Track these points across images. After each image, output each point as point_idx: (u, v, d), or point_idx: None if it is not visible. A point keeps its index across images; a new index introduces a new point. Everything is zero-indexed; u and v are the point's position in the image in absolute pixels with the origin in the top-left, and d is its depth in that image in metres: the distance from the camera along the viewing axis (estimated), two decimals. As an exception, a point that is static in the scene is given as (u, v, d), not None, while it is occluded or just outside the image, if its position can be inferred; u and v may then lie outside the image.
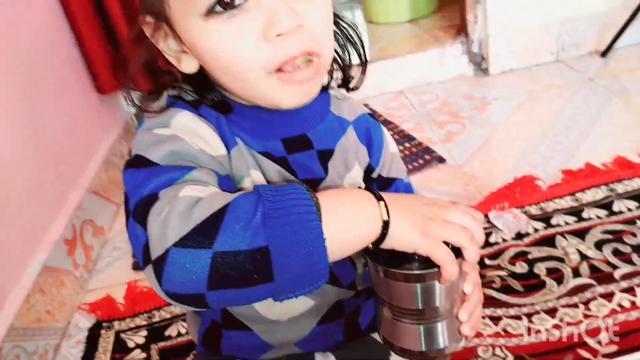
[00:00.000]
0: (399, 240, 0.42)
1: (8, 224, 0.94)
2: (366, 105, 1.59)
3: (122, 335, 0.96)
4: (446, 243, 0.42)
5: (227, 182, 0.46)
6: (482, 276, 0.90)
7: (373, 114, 0.60)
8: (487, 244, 0.97)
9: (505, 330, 0.80)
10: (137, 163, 0.43)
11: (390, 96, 1.65)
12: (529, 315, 0.81)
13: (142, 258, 0.38)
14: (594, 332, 0.76)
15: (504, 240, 0.97)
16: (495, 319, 0.81)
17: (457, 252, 0.42)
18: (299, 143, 0.51)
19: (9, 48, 1.04)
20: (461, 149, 1.30)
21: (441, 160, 1.26)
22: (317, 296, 0.54)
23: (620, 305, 0.80)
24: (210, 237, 0.36)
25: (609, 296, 0.81)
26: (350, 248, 0.41)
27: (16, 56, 1.06)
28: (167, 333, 0.94)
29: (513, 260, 0.92)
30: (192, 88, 0.49)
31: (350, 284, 0.56)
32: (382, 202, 0.42)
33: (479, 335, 0.79)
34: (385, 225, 0.41)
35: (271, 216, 0.37)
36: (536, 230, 0.97)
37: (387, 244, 0.42)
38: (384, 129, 0.61)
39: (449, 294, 0.45)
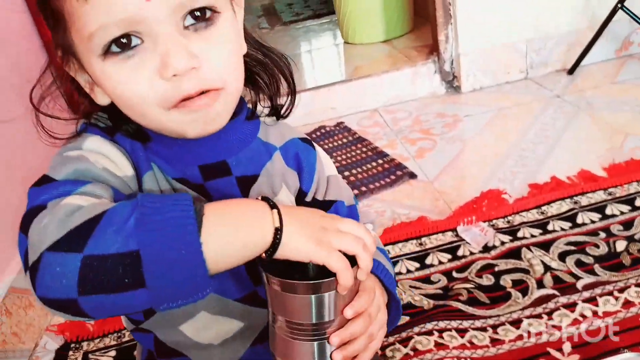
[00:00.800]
0: (293, 249, 0.42)
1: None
2: (341, 123, 1.63)
3: (90, 356, 0.95)
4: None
5: None
6: (449, 289, 0.91)
7: (307, 139, 0.60)
8: (454, 257, 0.98)
9: (470, 342, 0.80)
10: (40, 182, 0.44)
11: (365, 114, 1.68)
12: (494, 327, 0.82)
13: (24, 265, 0.39)
14: (557, 343, 0.77)
15: (472, 253, 0.98)
16: (462, 331, 0.82)
17: (351, 262, 0.43)
18: (216, 169, 0.51)
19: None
20: (432, 164, 1.32)
21: (412, 175, 1.28)
22: (244, 318, 0.55)
23: (583, 315, 0.81)
24: (83, 241, 0.36)
25: (571, 306, 0.83)
26: (238, 256, 0.41)
27: None
28: (136, 353, 0.93)
29: (480, 272, 0.93)
30: (108, 117, 0.50)
31: None
32: (275, 210, 0.42)
33: (445, 347, 0.79)
34: (278, 233, 0.41)
35: (145, 221, 0.37)
36: (503, 243, 0.99)
37: (280, 254, 0.42)
38: (320, 151, 0.61)
39: (340, 308, 0.45)
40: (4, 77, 1.16)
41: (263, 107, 0.57)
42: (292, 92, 0.57)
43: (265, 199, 0.44)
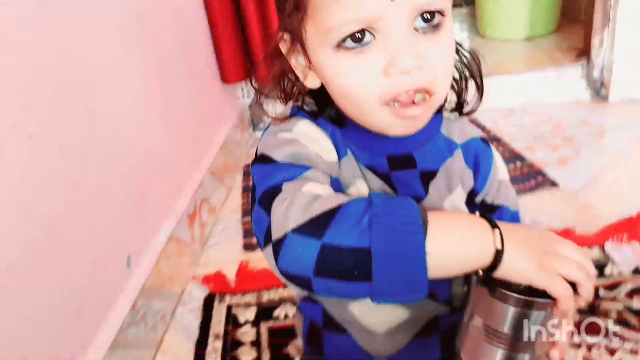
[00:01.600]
0: (514, 270, 0.42)
1: (146, 195, 1.04)
2: (474, 120, 1.60)
3: (234, 310, 1.03)
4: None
5: (337, 185, 0.50)
6: (597, 306, 0.89)
7: (486, 139, 0.60)
8: (601, 274, 0.95)
9: (620, 364, 0.78)
10: (263, 160, 0.48)
11: (501, 113, 1.64)
12: (646, 353, 0.80)
13: (263, 239, 0.43)
14: None
15: (620, 273, 0.95)
16: (611, 351, 0.80)
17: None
18: (402, 161, 0.53)
19: (152, 36, 1.15)
20: (575, 175, 1.27)
21: (554, 184, 1.24)
22: (412, 308, 0.56)
23: None
24: (322, 229, 0.40)
25: None
26: (456, 269, 0.43)
27: (156, 44, 1.17)
28: (275, 314, 1.00)
29: (631, 294, 0.90)
30: (313, 101, 0.53)
31: (446, 299, 0.56)
32: (496, 230, 0.43)
33: (592, 364, 0.78)
34: (498, 254, 0.42)
35: (378, 222, 0.40)
36: (657, 268, 0.95)
37: (499, 273, 0.42)
38: (496, 154, 0.61)
39: (548, 331, 0.44)
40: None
41: (448, 102, 0.59)
42: (480, 89, 0.57)
43: (484, 216, 0.45)
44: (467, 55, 0.56)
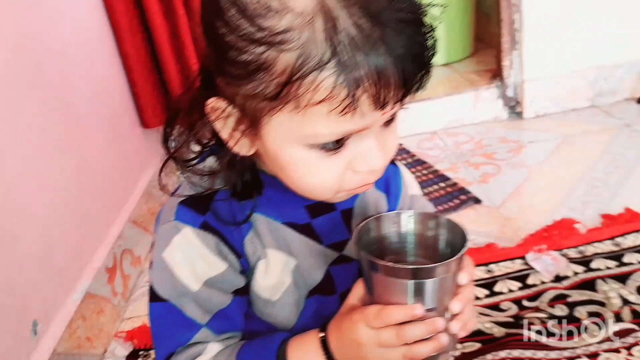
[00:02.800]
0: None
1: (55, 251, 0.98)
2: (399, 144, 1.63)
3: (158, 364, 0.97)
4: (437, 254, 0.47)
5: (245, 265, 0.51)
6: (520, 317, 0.89)
7: (393, 160, 0.60)
8: (525, 285, 0.96)
9: (545, 374, 0.78)
10: (153, 296, 0.50)
11: (424, 136, 1.68)
12: (570, 359, 0.79)
13: None
14: (639, 380, 0.74)
15: (543, 282, 0.96)
16: (535, 362, 0.80)
17: (453, 252, 0.45)
18: (322, 207, 0.53)
19: (56, 85, 1.11)
20: (497, 190, 1.30)
21: (477, 201, 1.26)
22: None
23: (667, 353, 0.77)
24: None
25: (653, 343, 0.79)
26: None
27: (62, 92, 1.13)
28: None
29: (552, 302, 0.91)
30: (225, 164, 0.49)
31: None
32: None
33: (518, 378, 0.77)
34: None
35: None
36: (576, 273, 0.96)
37: None
38: (404, 172, 0.62)
39: (445, 293, 0.45)
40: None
41: None
42: None
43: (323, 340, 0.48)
44: None
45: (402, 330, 0.44)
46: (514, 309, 0.91)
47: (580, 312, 0.88)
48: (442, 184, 1.37)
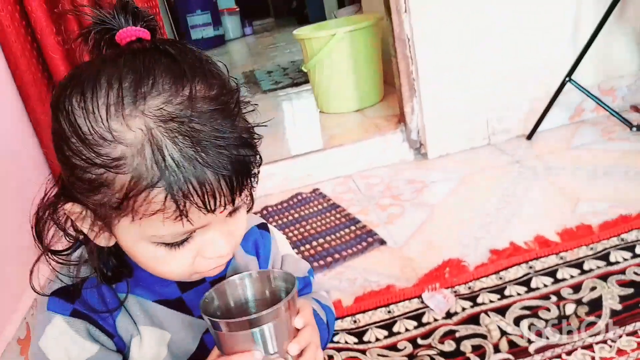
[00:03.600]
0: None
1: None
2: (316, 189, 1.72)
3: None
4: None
5: (120, 344, 0.56)
6: (414, 356, 0.97)
7: (263, 224, 0.68)
8: (420, 323, 1.05)
9: (432, 408, 0.86)
10: None
11: (339, 180, 1.77)
12: (454, 392, 0.88)
13: None
14: (511, 406, 0.84)
15: (435, 320, 1.05)
16: (424, 398, 0.88)
17: (280, 297, 0.52)
18: (192, 281, 0.58)
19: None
20: (401, 231, 1.40)
21: (382, 242, 1.36)
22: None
23: (534, 379, 0.87)
24: None
25: (524, 370, 0.89)
26: None
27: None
28: None
29: (442, 339, 1.00)
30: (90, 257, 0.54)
31: None
32: None
33: (408, 414, 0.85)
34: None
35: None
36: (464, 309, 1.06)
37: None
38: (275, 234, 0.69)
39: (283, 336, 0.51)
40: None
41: None
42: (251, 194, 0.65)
43: None
44: None
45: None
46: (409, 348, 0.99)
47: (466, 345, 0.97)
48: (353, 227, 1.46)
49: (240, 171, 0.45)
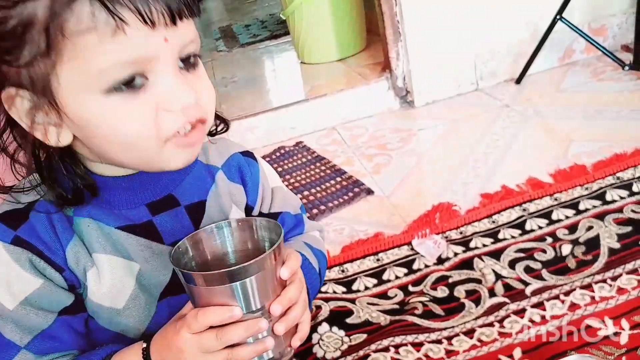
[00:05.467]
0: None
1: None
2: (300, 142, 1.65)
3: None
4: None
5: (70, 276, 0.50)
6: (405, 303, 0.93)
7: (248, 152, 0.62)
8: (410, 270, 1.00)
9: (426, 355, 0.82)
10: None
11: (323, 132, 1.70)
12: (449, 339, 0.84)
13: None
14: (507, 349, 0.80)
15: (427, 266, 1.01)
16: (417, 345, 0.84)
17: (263, 249, 0.47)
18: (164, 204, 0.53)
19: None
20: (388, 180, 1.35)
21: (369, 192, 1.30)
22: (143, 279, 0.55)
23: (532, 321, 0.84)
24: None
25: (521, 312, 0.85)
26: None
27: None
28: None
29: (435, 285, 0.96)
30: (41, 173, 0.49)
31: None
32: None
33: (401, 363, 0.81)
34: None
35: None
36: (456, 254, 1.02)
37: None
38: (262, 164, 0.63)
39: (267, 291, 0.46)
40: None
41: None
42: (219, 117, 0.58)
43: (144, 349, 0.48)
44: None
45: (221, 332, 0.45)
46: (400, 296, 0.95)
47: (460, 291, 0.93)
48: (339, 179, 1.40)
49: None
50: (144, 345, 0.48)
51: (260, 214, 0.62)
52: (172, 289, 0.54)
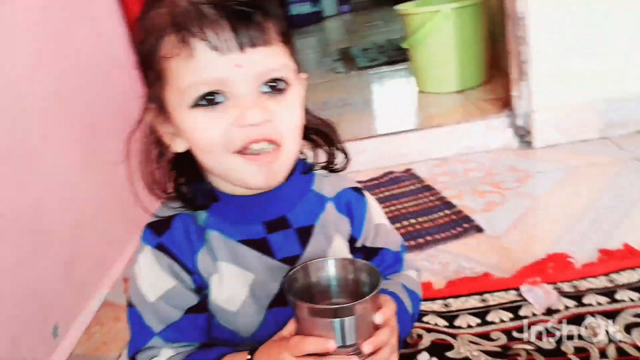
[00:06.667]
0: None
1: (78, 262, 1.06)
2: (409, 169, 1.67)
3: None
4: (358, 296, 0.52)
5: (199, 280, 0.58)
6: (508, 348, 0.93)
7: (358, 188, 0.67)
8: (516, 316, 1.00)
9: (527, 405, 0.81)
10: (129, 303, 0.60)
11: (435, 162, 1.72)
12: (552, 392, 0.83)
13: None
14: (616, 416, 0.77)
15: (534, 314, 0.99)
16: (518, 393, 0.83)
17: (365, 293, 0.51)
18: (278, 224, 0.60)
19: (80, 96, 1.19)
20: (500, 219, 1.34)
21: (479, 229, 1.30)
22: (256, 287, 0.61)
23: (646, 391, 0.80)
24: None
25: (634, 381, 0.82)
26: None
27: (102, 100, 1.21)
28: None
29: (541, 335, 0.94)
30: (185, 177, 0.59)
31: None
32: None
33: (500, 407, 0.81)
34: None
35: None
36: (567, 307, 0.99)
37: None
38: (370, 201, 0.68)
39: (362, 331, 0.51)
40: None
41: (318, 162, 0.66)
42: (343, 151, 0.65)
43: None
44: (325, 124, 0.63)
45: None
46: (503, 339, 0.95)
47: (568, 346, 0.91)
48: (447, 211, 1.41)
49: (241, 2, 0.49)
50: (248, 356, 0.55)
51: (363, 247, 0.67)
52: (279, 301, 0.60)
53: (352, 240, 0.66)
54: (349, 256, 0.64)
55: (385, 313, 0.53)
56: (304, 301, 0.51)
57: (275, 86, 0.53)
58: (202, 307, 0.60)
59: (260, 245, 0.59)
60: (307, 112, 0.61)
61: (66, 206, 1.05)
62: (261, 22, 0.51)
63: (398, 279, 0.69)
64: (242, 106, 0.51)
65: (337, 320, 0.50)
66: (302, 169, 0.63)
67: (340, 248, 0.64)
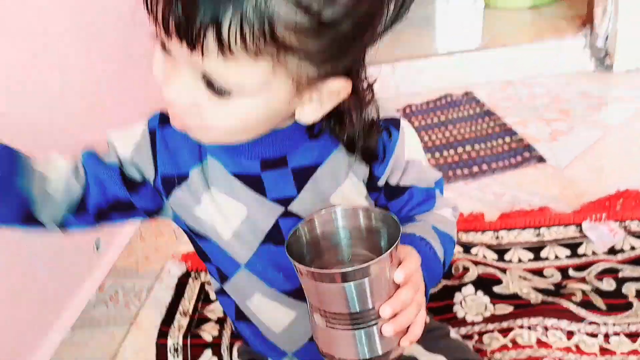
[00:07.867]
0: None
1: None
2: (469, 92, 1.55)
3: (207, 287, 1.05)
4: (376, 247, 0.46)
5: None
6: (563, 286, 0.86)
7: (394, 119, 0.56)
8: (574, 254, 0.92)
9: (577, 347, 0.76)
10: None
11: (497, 86, 1.58)
12: (606, 336, 0.77)
13: None
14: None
15: (594, 253, 0.91)
16: (570, 333, 0.78)
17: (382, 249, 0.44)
18: (275, 163, 0.53)
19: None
20: (566, 150, 1.22)
21: (541, 159, 1.20)
22: (296, 309, 0.57)
23: None
24: None
25: None
26: None
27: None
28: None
29: (601, 275, 0.87)
30: None
31: None
32: None
33: (547, 346, 0.76)
34: None
35: None
36: (633, 248, 0.90)
37: None
38: (405, 134, 0.57)
39: (379, 293, 0.43)
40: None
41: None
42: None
43: None
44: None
45: None
46: (557, 277, 0.88)
47: (629, 288, 0.83)
48: (508, 139, 1.31)
49: None
50: None
51: (387, 185, 0.58)
52: (272, 237, 0.55)
53: (372, 179, 0.57)
54: (362, 201, 0.56)
55: (407, 269, 0.45)
56: (309, 264, 0.44)
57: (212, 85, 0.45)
58: (127, 205, 0.54)
59: (253, 182, 0.54)
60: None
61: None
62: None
63: (429, 218, 0.60)
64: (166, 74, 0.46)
65: (347, 284, 0.42)
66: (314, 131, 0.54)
67: (349, 191, 0.56)
